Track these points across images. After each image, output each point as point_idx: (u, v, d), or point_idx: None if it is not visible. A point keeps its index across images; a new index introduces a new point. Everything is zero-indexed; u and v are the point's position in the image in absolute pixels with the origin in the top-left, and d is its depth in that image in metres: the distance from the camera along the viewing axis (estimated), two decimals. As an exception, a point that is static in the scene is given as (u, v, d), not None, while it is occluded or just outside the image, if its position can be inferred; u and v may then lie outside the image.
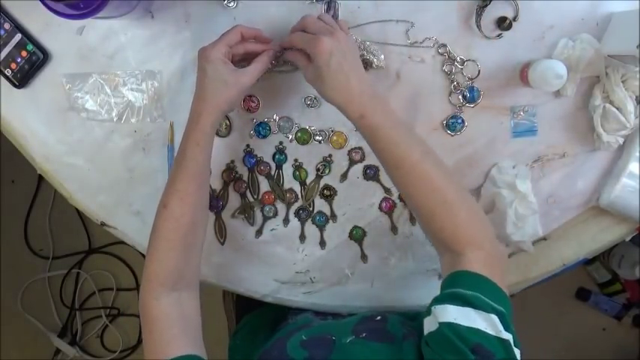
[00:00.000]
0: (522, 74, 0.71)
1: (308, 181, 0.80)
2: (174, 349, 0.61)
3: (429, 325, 0.58)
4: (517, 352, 0.54)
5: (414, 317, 0.75)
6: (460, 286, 0.58)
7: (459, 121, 0.76)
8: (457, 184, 0.64)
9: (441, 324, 0.55)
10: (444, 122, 0.76)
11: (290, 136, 0.78)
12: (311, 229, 0.81)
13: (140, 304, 0.65)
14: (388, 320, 0.71)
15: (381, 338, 0.65)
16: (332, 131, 0.77)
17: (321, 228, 0.81)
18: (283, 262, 0.82)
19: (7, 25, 0.75)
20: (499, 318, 0.55)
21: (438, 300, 0.58)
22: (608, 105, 0.71)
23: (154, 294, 0.64)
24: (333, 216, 0.81)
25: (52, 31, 0.76)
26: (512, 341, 0.54)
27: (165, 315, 0.64)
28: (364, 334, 0.66)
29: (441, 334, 0.55)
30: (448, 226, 0.62)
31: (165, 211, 0.66)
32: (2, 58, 0.76)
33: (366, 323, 0.70)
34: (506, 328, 0.54)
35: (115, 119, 0.78)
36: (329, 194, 0.80)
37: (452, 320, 0.55)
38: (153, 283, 0.65)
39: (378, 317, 0.72)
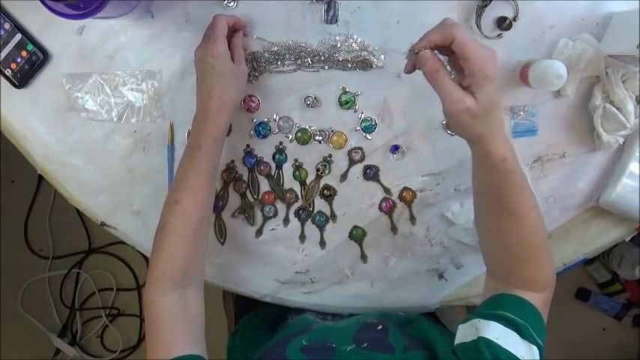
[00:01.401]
0: (522, 74, 0.71)
1: (308, 181, 0.80)
2: (177, 348, 0.61)
3: (463, 334, 0.58)
4: None
5: (412, 321, 0.75)
6: (510, 311, 0.59)
7: (459, 121, 0.76)
8: (545, 230, 0.64)
9: (481, 338, 0.56)
10: (444, 122, 0.76)
11: (290, 136, 0.78)
12: (311, 229, 0.81)
13: (145, 299, 0.65)
14: (389, 331, 0.71)
15: (382, 349, 0.65)
16: (332, 131, 0.77)
17: (321, 228, 0.81)
18: (283, 262, 0.82)
19: (7, 25, 0.75)
20: (539, 352, 0.56)
21: (484, 315, 0.59)
22: (608, 105, 0.71)
23: (161, 290, 0.64)
24: (333, 216, 0.81)
25: (52, 31, 0.76)
26: None
27: (170, 312, 0.64)
28: (365, 344, 0.66)
29: (476, 348, 0.56)
30: (531, 271, 0.62)
31: (176, 206, 0.65)
32: (2, 58, 0.76)
33: (367, 332, 0.70)
34: None
35: (115, 119, 0.78)
36: (329, 194, 0.80)
37: (493, 338, 0.56)
38: (161, 279, 0.65)
39: (380, 326, 0.72)
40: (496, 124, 0.57)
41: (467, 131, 0.58)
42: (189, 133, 0.78)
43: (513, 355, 0.54)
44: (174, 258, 0.65)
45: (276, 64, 0.75)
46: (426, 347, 0.66)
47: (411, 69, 0.61)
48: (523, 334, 0.56)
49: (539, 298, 0.62)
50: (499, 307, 0.60)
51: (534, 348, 0.56)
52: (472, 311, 0.61)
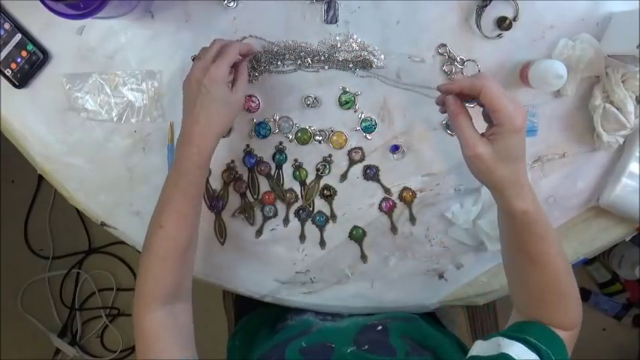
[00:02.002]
0: (522, 74, 0.71)
1: (308, 181, 0.80)
2: (167, 354, 0.61)
3: (481, 348, 0.59)
4: None
5: (413, 321, 0.75)
6: (535, 337, 0.59)
7: (459, 121, 0.76)
8: (572, 273, 0.64)
9: (503, 354, 0.57)
10: (444, 122, 0.76)
11: (290, 136, 0.78)
12: (311, 229, 0.81)
13: (134, 315, 0.65)
14: (389, 332, 0.71)
15: (384, 352, 0.65)
16: (332, 131, 0.77)
17: (321, 228, 0.81)
18: (283, 262, 0.82)
19: (7, 25, 0.75)
20: None
21: (507, 335, 0.60)
22: (608, 105, 0.71)
23: (148, 308, 0.64)
24: (333, 216, 0.80)
25: (52, 31, 0.76)
26: None
27: (159, 325, 0.64)
28: (366, 347, 0.66)
29: None
30: (555, 313, 0.63)
31: (161, 231, 0.65)
32: (2, 58, 0.76)
33: (367, 334, 0.70)
34: None
35: (115, 119, 0.78)
36: (329, 194, 0.80)
37: (515, 356, 0.56)
38: (147, 299, 0.65)
39: (379, 327, 0.72)
40: (516, 176, 0.58)
41: (482, 178, 0.60)
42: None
43: None
44: (161, 281, 0.65)
45: (276, 64, 0.75)
46: (427, 351, 0.66)
47: (440, 105, 0.65)
48: (543, 358, 0.57)
49: (564, 335, 0.62)
50: (523, 332, 0.61)
51: None
52: (493, 333, 0.62)
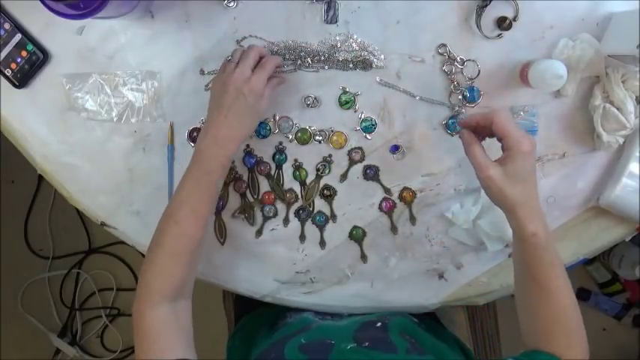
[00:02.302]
0: (522, 74, 0.71)
1: (308, 181, 0.80)
2: (169, 353, 0.61)
3: None
4: None
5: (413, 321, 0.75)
6: None
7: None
8: (578, 308, 0.66)
9: None
10: (444, 122, 0.76)
11: (290, 136, 0.78)
12: (311, 229, 0.81)
13: (134, 310, 0.65)
14: (389, 329, 0.71)
15: (384, 349, 0.65)
16: (332, 131, 0.77)
17: (321, 228, 0.81)
18: (283, 262, 0.82)
19: (7, 25, 0.75)
20: None
21: (518, 358, 0.63)
22: (608, 105, 0.71)
23: (152, 304, 0.64)
24: (333, 216, 0.80)
25: (52, 31, 0.76)
26: None
27: (161, 323, 0.64)
28: (367, 343, 0.66)
29: None
30: (561, 346, 0.64)
31: (177, 227, 0.65)
32: (2, 58, 0.76)
33: (367, 330, 0.70)
34: None
35: (115, 119, 0.78)
36: (329, 194, 0.80)
37: None
38: (154, 294, 0.65)
39: (379, 324, 0.72)
40: (527, 198, 0.61)
41: (496, 199, 0.64)
42: (190, 132, 0.78)
43: None
44: (171, 277, 0.65)
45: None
46: (428, 352, 0.66)
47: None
48: None
49: None
50: (534, 357, 0.63)
51: None
52: (504, 358, 0.64)
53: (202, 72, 0.76)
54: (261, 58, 0.70)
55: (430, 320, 0.89)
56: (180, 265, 0.66)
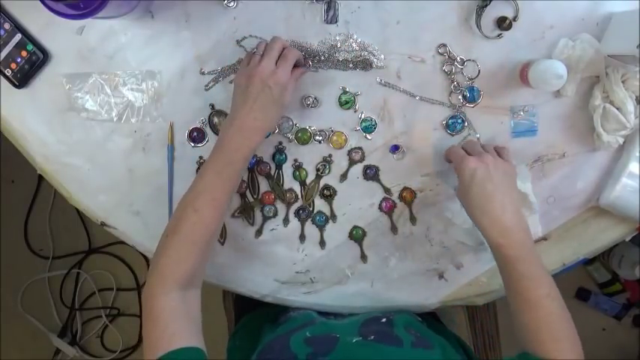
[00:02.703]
0: (522, 74, 0.71)
1: (308, 181, 0.80)
2: (178, 341, 0.61)
3: None
4: None
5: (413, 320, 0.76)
6: None
7: (459, 121, 0.76)
8: (570, 321, 0.66)
9: None
10: (444, 122, 0.76)
11: (290, 136, 0.78)
12: (311, 229, 0.81)
13: (146, 295, 0.65)
14: (394, 323, 0.71)
15: (390, 342, 0.65)
16: (332, 131, 0.77)
17: (321, 228, 0.81)
18: (283, 262, 0.82)
19: (7, 25, 0.75)
20: None
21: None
22: (608, 105, 0.71)
23: (165, 289, 0.64)
24: (333, 216, 0.80)
25: (52, 31, 0.76)
26: None
27: (172, 309, 0.64)
28: (372, 337, 0.66)
29: None
30: (550, 352, 0.64)
31: (195, 215, 0.65)
32: (2, 58, 0.76)
33: (372, 325, 0.71)
34: None
35: (115, 119, 0.78)
36: (329, 194, 0.80)
37: None
38: (167, 280, 0.65)
39: (384, 319, 0.72)
40: (488, 211, 0.65)
41: (468, 215, 0.69)
42: (190, 132, 0.78)
43: None
44: (185, 264, 0.65)
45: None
46: (432, 347, 0.66)
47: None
48: None
49: None
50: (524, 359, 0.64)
51: None
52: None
53: (202, 72, 0.76)
54: (283, 49, 0.70)
55: (431, 319, 0.89)
56: (195, 253, 0.66)
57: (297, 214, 0.81)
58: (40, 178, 1.25)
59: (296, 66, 0.71)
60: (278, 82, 0.66)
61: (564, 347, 0.64)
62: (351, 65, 0.75)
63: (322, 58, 0.74)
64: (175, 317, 0.64)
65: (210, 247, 0.69)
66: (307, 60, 0.74)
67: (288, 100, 0.69)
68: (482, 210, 0.65)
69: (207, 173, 0.67)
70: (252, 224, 0.81)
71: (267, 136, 0.78)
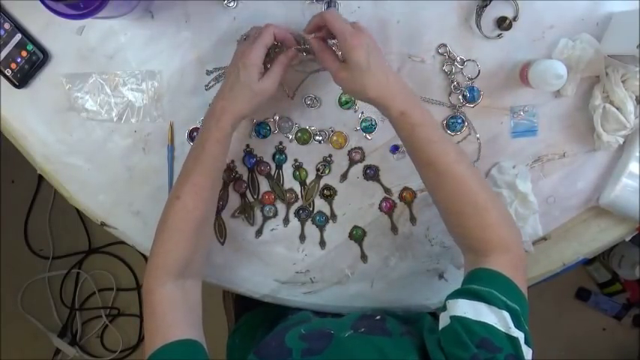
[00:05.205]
0: (522, 74, 0.71)
1: (308, 181, 0.80)
2: (175, 332, 0.61)
3: (442, 321, 0.58)
4: (528, 351, 0.54)
5: (414, 321, 0.76)
6: (476, 283, 0.59)
7: (459, 121, 0.76)
8: (488, 188, 0.64)
9: (452, 317, 0.56)
10: (444, 122, 0.76)
11: (290, 136, 0.78)
12: (311, 229, 0.81)
13: (144, 290, 0.66)
14: (387, 320, 0.71)
15: (379, 333, 0.65)
16: (332, 131, 0.77)
17: (321, 228, 0.81)
18: (283, 262, 0.82)
19: (7, 25, 0.75)
20: (511, 315, 0.55)
21: (453, 295, 0.59)
22: (608, 105, 0.71)
23: (160, 281, 0.65)
24: (333, 216, 0.80)
25: (52, 31, 0.76)
26: (522, 339, 0.54)
27: (169, 300, 0.64)
28: (363, 329, 0.66)
29: (450, 329, 0.56)
30: (477, 229, 0.62)
31: (177, 202, 0.66)
32: (2, 58, 0.76)
33: (365, 320, 0.71)
34: (518, 326, 0.55)
35: (115, 119, 0.78)
36: (329, 194, 0.80)
37: (462, 314, 0.56)
38: (160, 271, 0.65)
39: (378, 317, 0.72)
40: (382, 86, 0.62)
41: (356, 97, 0.68)
42: (190, 132, 0.78)
43: (485, 323, 0.54)
44: (173, 252, 0.66)
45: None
46: (421, 340, 0.67)
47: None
48: (489, 301, 0.56)
49: (504, 263, 0.60)
50: (465, 283, 0.61)
51: (504, 313, 0.55)
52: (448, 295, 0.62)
53: (209, 71, 0.76)
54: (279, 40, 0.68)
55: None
56: (182, 241, 0.66)
57: (297, 214, 0.81)
58: (40, 178, 1.25)
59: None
60: (246, 63, 0.64)
61: (488, 219, 0.62)
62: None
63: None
64: (173, 308, 0.64)
65: (202, 235, 0.68)
66: (300, 44, 0.70)
67: (266, 85, 0.66)
68: (381, 87, 0.62)
69: (187, 160, 0.69)
70: (252, 224, 0.81)
71: (267, 137, 0.78)
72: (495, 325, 0.54)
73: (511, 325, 0.54)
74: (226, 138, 0.67)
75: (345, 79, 0.63)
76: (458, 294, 0.59)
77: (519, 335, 0.54)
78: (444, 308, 0.59)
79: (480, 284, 0.58)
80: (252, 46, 0.65)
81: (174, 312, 0.64)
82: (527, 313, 0.58)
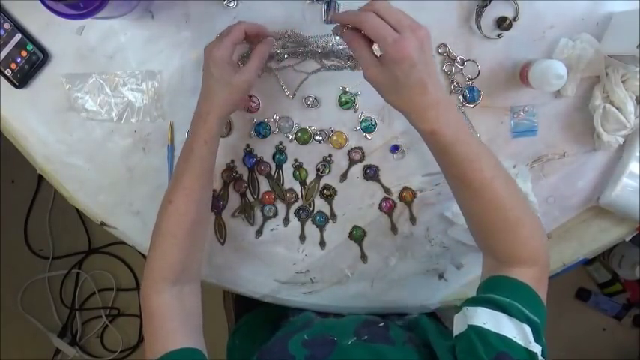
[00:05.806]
0: (522, 74, 0.71)
1: (308, 181, 0.80)
2: (174, 341, 0.61)
3: (458, 325, 0.58)
4: None
5: (413, 327, 0.76)
6: (498, 291, 0.57)
7: (459, 121, 0.76)
8: (522, 201, 0.62)
9: (470, 327, 0.55)
10: (444, 122, 0.76)
11: (290, 136, 0.78)
12: (311, 229, 0.81)
13: (141, 297, 0.66)
14: (390, 327, 0.71)
15: (382, 341, 0.65)
16: (332, 131, 0.77)
17: (321, 228, 0.81)
18: (283, 262, 0.82)
19: (7, 25, 0.75)
20: (532, 328, 0.54)
21: (472, 301, 0.58)
22: (608, 105, 0.71)
23: (156, 287, 0.65)
24: (333, 216, 0.80)
25: (52, 31, 0.76)
26: (539, 353, 0.53)
27: (167, 307, 0.64)
28: (366, 337, 0.66)
29: (467, 338, 0.55)
30: (507, 243, 0.60)
31: (170, 206, 0.66)
32: (2, 58, 0.76)
33: (368, 326, 0.71)
34: (537, 340, 0.54)
35: (115, 119, 0.78)
36: (329, 194, 0.80)
37: (481, 324, 0.55)
38: (155, 277, 0.65)
39: (381, 323, 0.72)
40: (414, 103, 0.55)
41: (383, 96, 0.57)
42: (189, 132, 0.78)
43: (504, 336, 0.53)
44: (168, 257, 0.66)
45: (280, 60, 0.75)
46: (425, 346, 0.66)
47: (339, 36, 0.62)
48: (510, 312, 0.54)
49: (529, 275, 0.59)
50: (486, 290, 0.60)
51: (525, 326, 0.54)
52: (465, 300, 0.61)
53: None
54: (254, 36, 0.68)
55: (431, 319, 0.89)
56: (177, 246, 0.66)
57: (297, 214, 0.81)
58: (40, 178, 1.25)
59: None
60: (212, 60, 0.63)
61: (521, 235, 0.59)
62: (350, 64, 0.74)
63: (321, 55, 0.74)
64: (170, 316, 0.64)
65: (196, 237, 0.68)
66: (269, 35, 0.70)
67: (235, 77, 0.64)
68: (414, 102, 0.55)
69: (178, 164, 0.68)
70: (252, 224, 0.81)
71: (267, 137, 0.78)
72: (514, 339, 0.53)
73: (531, 339, 0.53)
74: (214, 138, 0.67)
75: (376, 80, 0.56)
76: (478, 302, 0.57)
77: (537, 350, 0.53)
78: (458, 309, 0.58)
79: (502, 294, 0.57)
80: (219, 43, 0.64)
81: (172, 320, 0.64)
82: (545, 324, 0.57)
